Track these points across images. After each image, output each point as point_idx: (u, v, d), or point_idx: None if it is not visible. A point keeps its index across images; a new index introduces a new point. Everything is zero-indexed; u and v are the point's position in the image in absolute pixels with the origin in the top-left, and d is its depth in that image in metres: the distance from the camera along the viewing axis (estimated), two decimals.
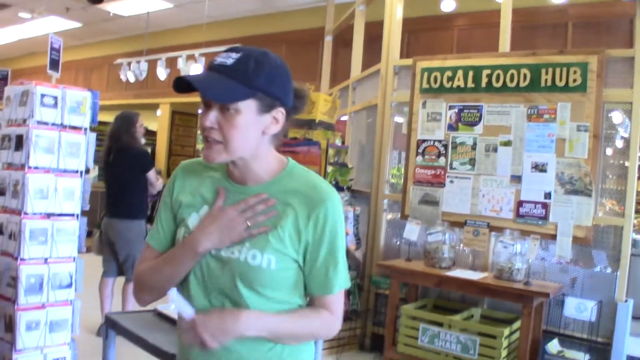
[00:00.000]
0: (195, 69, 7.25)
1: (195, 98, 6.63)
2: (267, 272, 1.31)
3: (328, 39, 6.77)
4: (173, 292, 1.30)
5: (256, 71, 1.28)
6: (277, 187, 1.37)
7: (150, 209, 5.06)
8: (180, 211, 1.43)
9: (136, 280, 1.46)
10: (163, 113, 10.05)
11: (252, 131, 1.31)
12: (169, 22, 9.08)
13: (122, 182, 4.67)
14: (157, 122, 10.43)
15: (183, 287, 1.40)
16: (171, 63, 7.84)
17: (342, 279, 1.38)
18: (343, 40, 6.73)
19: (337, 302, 1.40)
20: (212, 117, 1.29)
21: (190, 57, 7.35)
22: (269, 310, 1.33)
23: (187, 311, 1.29)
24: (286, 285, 1.36)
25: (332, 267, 1.36)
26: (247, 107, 1.29)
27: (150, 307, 2.79)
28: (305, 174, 1.41)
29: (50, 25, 9.80)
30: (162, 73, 7.76)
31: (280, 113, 1.34)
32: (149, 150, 4.91)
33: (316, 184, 1.37)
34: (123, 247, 4.58)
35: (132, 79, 8.02)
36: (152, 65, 7.98)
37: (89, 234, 3.75)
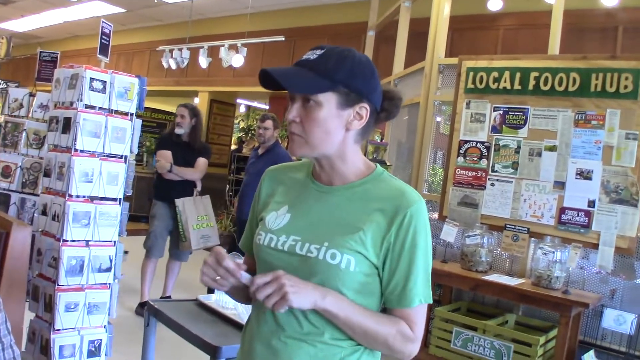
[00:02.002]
0: (237, 59, 7.27)
1: (233, 87, 6.72)
2: (346, 273, 1.27)
3: (370, 34, 6.72)
4: (245, 276, 1.27)
5: (337, 65, 1.28)
6: (363, 189, 1.35)
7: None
8: (262, 212, 1.44)
9: None
10: (201, 101, 10.11)
11: (332, 125, 1.30)
12: (212, 10, 9.13)
13: None
14: None
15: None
16: (213, 52, 7.87)
17: (422, 292, 1.31)
18: (385, 35, 6.67)
19: (417, 319, 1.31)
20: (295, 110, 1.30)
21: (232, 47, 7.36)
22: None
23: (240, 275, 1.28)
24: (366, 291, 1.31)
25: (412, 278, 1.29)
26: (328, 100, 1.28)
27: (192, 296, 2.83)
28: (392, 180, 1.38)
29: (94, 10, 9.94)
30: (203, 61, 7.79)
31: (363, 109, 1.32)
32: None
33: (404, 190, 1.33)
34: None
35: (173, 66, 8.08)
36: (194, 53, 8.02)
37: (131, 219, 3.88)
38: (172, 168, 4.93)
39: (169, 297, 5.12)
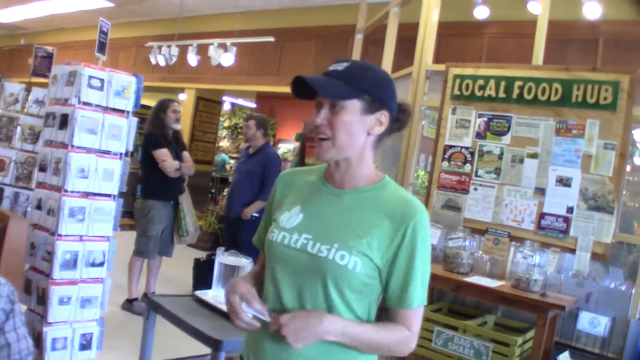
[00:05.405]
0: (226, 58, 7.32)
1: (220, 85, 6.70)
2: (352, 274, 1.38)
3: (358, 37, 6.80)
4: (243, 306, 1.40)
5: (362, 76, 1.43)
6: (372, 195, 1.47)
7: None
8: (275, 212, 1.55)
9: None
10: (189, 98, 10.10)
11: (356, 128, 1.44)
12: (202, 8, 9.13)
13: (141, 163, 5.12)
14: (181, 106, 10.50)
15: (268, 280, 1.49)
16: (201, 50, 7.91)
17: (420, 295, 1.43)
18: (373, 39, 6.76)
19: (415, 318, 1.44)
20: (323, 114, 1.44)
21: (222, 46, 7.41)
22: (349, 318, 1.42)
23: (264, 316, 1.39)
24: (367, 291, 1.43)
25: (412, 281, 1.41)
26: (353, 106, 1.42)
27: (174, 292, 2.90)
28: (399, 189, 1.51)
29: (82, 3, 9.88)
30: (192, 59, 7.83)
31: (384, 116, 1.47)
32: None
33: (409, 199, 1.46)
34: (136, 223, 5.08)
35: (162, 63, 8.10)
36: (182, 50, 8.05)
37: (125, 215, 3.92)
38: (181, 167, 5.00)
39: (153, 293, 5.17)
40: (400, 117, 1.53)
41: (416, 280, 1.41)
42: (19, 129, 3.44)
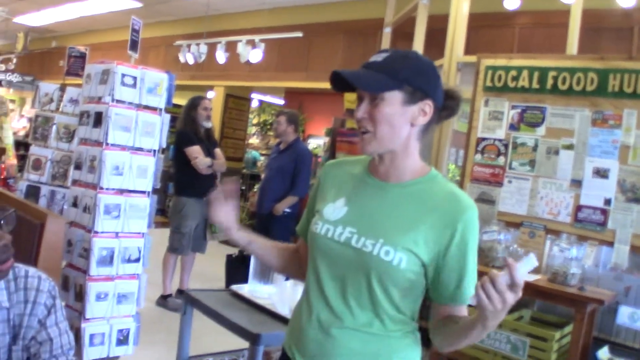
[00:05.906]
0: (255, 54, 7.34)
1: (249, 82, 6.74)
2: (397, 270, 1.35)
3: (387, 31, 6.75)
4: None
5: (402, 65, 1.38)
6: (418, 188, 1.42)
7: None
8: (319, 203, 1.53)
9: None
10: (218, 95, 10.16)
11: (398, 120, 1.38)
12: (230, 6, 9.17)
13: (173, 161, 5.24)
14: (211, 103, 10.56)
15: (310, 271, 1.48)
16: (229, 47, 7.94)
17: (473, 290, 1.37)
18: (402, 32, 6.70)
19: (466, 313, 1.40)
20: (363, 107, 1.39)
21: (250, 42, 7.44)
22: (394, 316, 1.40)
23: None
24: (413, 288, 1.39)
25: (466, 277, 1.37)
26: (393, 97, 1.37)
27: (222, 287, 2.92)
28: (447, 183, 1.45)
29: (111, 4, 10.01)
30: (221, 56, 7.88)
31: (427, 105, 1.41)
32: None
33: (458, 194, 1.41)
34: (169, 220, 5.12)
35: (191, 61, 8.16)
36: (211, 48, 8.10)
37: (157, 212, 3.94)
38: (213, 164, 5.02)
39: (188, 289, 5.21)
40: (448, 105, 1.46)
41: (470, 275, 1.38)
42: (54, 128, 3.49)
